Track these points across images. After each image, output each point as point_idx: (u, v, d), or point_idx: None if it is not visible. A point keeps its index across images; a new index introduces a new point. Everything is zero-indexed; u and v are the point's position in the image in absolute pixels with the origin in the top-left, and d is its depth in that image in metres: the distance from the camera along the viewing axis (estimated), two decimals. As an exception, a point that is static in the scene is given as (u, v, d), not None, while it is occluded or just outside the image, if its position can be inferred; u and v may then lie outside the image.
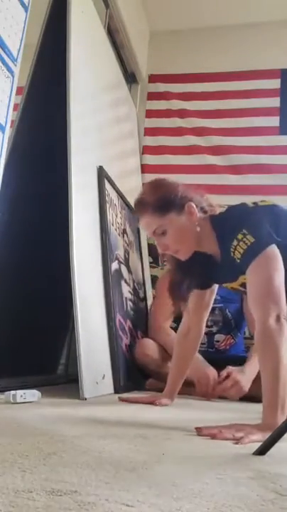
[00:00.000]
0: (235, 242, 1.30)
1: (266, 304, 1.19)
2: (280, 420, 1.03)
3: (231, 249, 1.32)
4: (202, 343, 2.36)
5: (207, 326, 2.34)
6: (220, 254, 1.44)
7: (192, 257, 1.47)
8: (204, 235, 1.44)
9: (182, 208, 1.43)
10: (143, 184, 1.65)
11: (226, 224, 1.39)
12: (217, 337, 2.42)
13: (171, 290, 1.62)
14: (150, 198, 1.45)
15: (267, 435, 0.94)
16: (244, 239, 1.28)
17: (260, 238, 1.27)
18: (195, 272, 1.54)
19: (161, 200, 1.43)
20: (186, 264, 1.50)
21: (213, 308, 2.37)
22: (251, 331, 2.70)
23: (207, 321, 2.39)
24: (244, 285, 1.45)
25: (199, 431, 1.09)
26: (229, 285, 1.57)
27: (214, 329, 2.41)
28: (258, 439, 1.00)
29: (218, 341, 2.41)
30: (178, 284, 1.59)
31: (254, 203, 1.40)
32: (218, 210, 1.52)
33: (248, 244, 1.27)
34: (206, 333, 2.38)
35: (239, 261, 1.30)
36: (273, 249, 1.27)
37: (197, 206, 1.45)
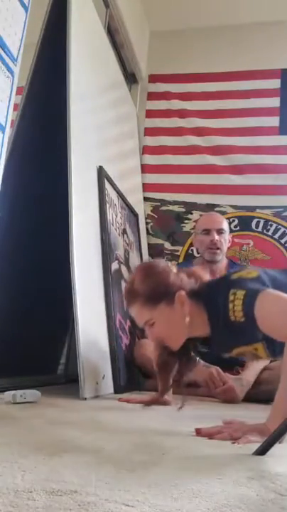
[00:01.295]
0: (231, 306, 1.25)
1: None
2: None
3: (230, 315, 1.25)
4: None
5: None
6: (212, 331, 1.38)
7: (183, 344, 1.44)
8: (196, 319, 1.38)
9: (172, 298, 1.38)
10: (134, 270, 1.59)
11: (214, 296, 1.34)
12: None
13: (161, 371, 1.60)
14: (141, 288, 1.41)
15: (266, 437, 0.94)
16: (237, 296, 1.24)
17: (250, 288, 1.24)
18: (185, 357, 1.51)
19: (152, 291, 1.40)
20: (175, 353, 1.47)
21: None
22: None
23: None
24: (239, 354, 1.41)
25: (199, 432, 1.09)
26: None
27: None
28: (256, 440, 0.99)
29: None
30: (168, 366, 1.55)
31: (239, 276, 1.36)
32: (207, 278, 1.48)
33: (242, 297, 1.23)
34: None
35: (243, 319, 1.23)
36: (270, 289, 1.23)
37: (187, 292, 1.40)
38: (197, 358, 2.07)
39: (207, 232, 2.48)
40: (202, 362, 2.08)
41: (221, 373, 2.05)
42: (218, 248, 2.48)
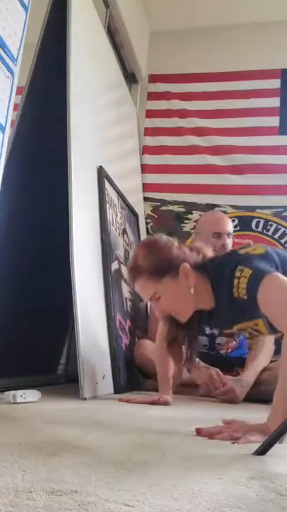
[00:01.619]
0: (236, 282, 1.26)
1: None
2: None
3: (234, 291, 1.27)
4: (203, 345, 2.36)
5: (210, 329, 2.35)
6: (216, 305, 1.40)
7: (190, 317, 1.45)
8: (201, 292, 1.40)
9: (176, 271, 1.40)
10: (136, 247, 1.61)
11: (220, 271, 1.35)
12: (219, 340, 2.41)
13: (171, 347, 1.59)
14: (144, 263, 1.43)
15: (266, 437, 0.94)
16: (243, 274, 1.25)
17: (257, 268, 1.24)
18: (193, 330, 1.52)
19: (155, 265, 1.41)
20: (183, 324, 1.48)
21: None
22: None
23: None
24: (240, 330, 1.46)
25: (199, 432, 1.09)
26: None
27: (216, 332, 2.40)
28: (256, 440, 0.99)
29: (219, 344, 2.40)
30: (177, 340, 1.56)
31: (246, 252, 1.36)
32: (211, 255, 1.49)
33: (248, 276, 1.24)
34: (208, 336, 2.38)
35: (246, 297, 1.25)
36: (277, 274, 1.23)
37: (191, 265, 1.42)
38: (197, 359, 2.08)
39: (219, 235, 2.46)
40: (202, 363, 2.08)
41: (221, 375, 2.05)
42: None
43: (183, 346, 1.57)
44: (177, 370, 1.68)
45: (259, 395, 1.97)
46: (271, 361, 2.11)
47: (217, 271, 1.36)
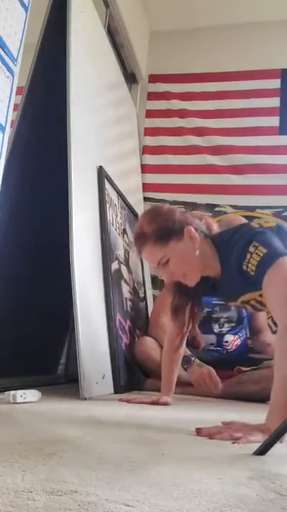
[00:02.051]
0: (248, 256, 1.29)
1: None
2: None
3: (244, 264, 1.30)
4: (210, 343, 2.37)
5: (219, 327, 2.35)
6: (222, 274, 1.43)
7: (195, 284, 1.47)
8: (207, 257, 1.44)
9: (181, 234, 1.43)
10: (140, 216, 1.65)
11: (232, 241, 1.37)
12: (227, 337, 2.41)
13: (175, 315, 1.62)
14: (149, 229, 1.45)
15: (266, 437, 0.94)
16: (257, 251, 1.27)
17: (272, 249, 1.26)
18: (197, 298, 1.55)
19: (160, 230, 1.44)
20: (188, 291, 1.50)
21: (229, 306, 2.38)
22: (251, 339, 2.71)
23: (221, 318, 2.41)
24: (243, 302, 1.47)
25: (199, 432, 1.09)
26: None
27: (225, 330, 2.40)
28: (256, 440, 0.99)
29: (227, 342, 2.40)
30: (181, 308, 1.59)
31: (259, 224, 1.39)
32: (217, 229, 1.52)
33: (261, 255, 1.26)
34: (216, 334, 2.38)
35: (253, 273, 1.28)
36: None
37: (196, 230, 1.45)
38: (193, 358, 2.09)
39: None
40: (197, 361, 2.09)
41: (213, 374, 2.04)
42: None
43: (186, 316, 1.60)
44: (180, 341, 1.69)
45: (261, 392, 1.97)
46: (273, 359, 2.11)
47: (230, 241, 1.39)
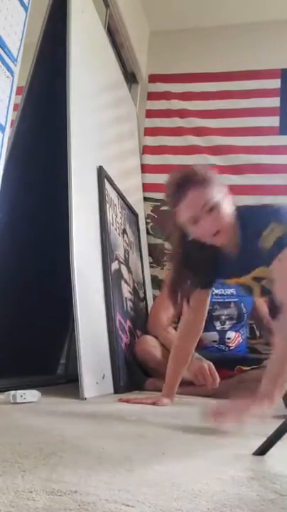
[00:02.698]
0: (268, 231, 1.32)
1: None
2: (276, 394, 1.09)
3: (261, 238, 1.33)
4: (213, 341, 2.37)
5: (220, 324, 2.36)
6: (238, 247, 1.44)
7: (203, 250, 1.47)
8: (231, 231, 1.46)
9: (226, 190, 1.45)
10: (172, 173, 1.59)
11: (255, 215, 1.41)
12: (229, 334, 2.42)
13: (172, 289, 1.61)
14: (209, 175, 1.44)
15: (263, 405, 0.96)
16: (277, 229, 1.31)
17: None
18: (201, 267, 1.53)
19: (210, 176, 1.44)
20: (194, 260, 1.50)
21: (228, 303, 2.38)
22: (259, 331, 2.71)
23: (222, 316, 2.41)
24: (256, 279, 1.48)
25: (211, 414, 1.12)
26: (238, 280, 1.57)
27: (227, 326, 2.41)
28: (257, 412, 1.02)
29: (229, 338, 2.41)
30: (181, 282, 1.58)
31: (277, 205, 1.44)
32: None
33: (278, 235, 1.30)
34: (218, 331, 2.39)
35: (266, 250, 1.32)
36: None
37: None
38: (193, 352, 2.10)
39: None
40: (197, 355, 2.09)
41: (212, 369, 2.02)
42: None
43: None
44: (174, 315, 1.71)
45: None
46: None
47: (252, 216, 1.42)
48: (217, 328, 2.38)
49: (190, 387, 2.09)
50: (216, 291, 2.43)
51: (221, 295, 2.42)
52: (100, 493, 0.59)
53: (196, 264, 1.52)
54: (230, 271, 1.55)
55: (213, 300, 2.41)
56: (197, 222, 1.41)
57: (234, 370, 2.16)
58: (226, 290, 2.44)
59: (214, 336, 2.37)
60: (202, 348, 2.29)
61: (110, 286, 2.14)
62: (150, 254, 3.26)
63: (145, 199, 3.40)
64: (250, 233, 1.38)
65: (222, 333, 2.40)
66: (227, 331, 2.41)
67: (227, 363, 2.18)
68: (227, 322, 2.43)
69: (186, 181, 1.44)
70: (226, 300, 2.43)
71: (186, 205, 1.42)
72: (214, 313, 2.42)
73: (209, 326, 2.39)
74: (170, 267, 1.67)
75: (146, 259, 3.17)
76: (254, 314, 2.52)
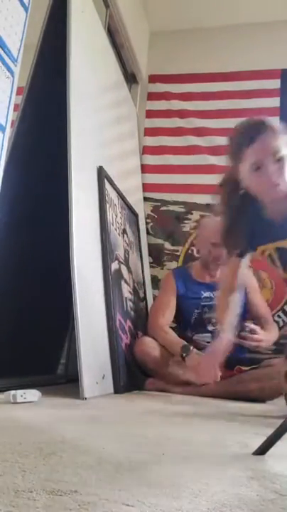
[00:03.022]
0: None
1: None
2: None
3: None
4: (207, 342, 2.37)
5: (212, 325, 2.36)
6: (281, 214, 1.46)
7: (248, 206, 1.50)
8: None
9: None
10: (241, 121, 1.61)
11: None
12: None
13: (225, 237, 1.63)
14: (269, 123, 1.48)
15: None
16: None
17: None
18: (242, 230, 1.55)
19: (279, 129, 1.46)
20: (237, 220, 1.52)
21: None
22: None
23: (212, 318, 2.41)
24: (279, 249, 1.53)
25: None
26: (267, 246, 1.58)
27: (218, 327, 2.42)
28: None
29: None
30: (231, 231, 1.59)
31: None
32: None
33: None
34: (211, 331, 2.39)
35: None
36: None
37: None
38: (192, 347, 2.11)
39: (215, 246, 2.46)
40: (195, 350, 2.09)
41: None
42: None
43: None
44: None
45: (261, 391, 1.98)
46: (273, 357, 2.12)
47: None
48: (209, 329, 2.38)
49: (190, 387, 2.09)
50: (205, 295, 2.43)
51: (210, 298, 2.41)
52: (100, 493, 0.59)
53: (239, 224, 1.54)
54: (276, 233, 1.54)
55: (202, 303, 2.42)
56: (260, 169, 1.41)
57: (233, 370, 2.15)
58: (214, 293, 2.43)
59: (207, 337, 2.37)
60: (198, 349, 2.29)
61: (110, 286, 2.14)
62: (150, 254, 3.26)
63: (145, 199, 3.40)
64: None
65: (215, 334, 2.40)
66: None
67: (226, 363, 2.18)
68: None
69: (259, 126, 1.45)
70: (215, 303, 2.43)
71: (255, 149, 1.42)
72: (204, 316, 2.43)
73: (201, 329, 2.41)
74: (221, 220, 1.67)
75: (146, 259, 3.17)
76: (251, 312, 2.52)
